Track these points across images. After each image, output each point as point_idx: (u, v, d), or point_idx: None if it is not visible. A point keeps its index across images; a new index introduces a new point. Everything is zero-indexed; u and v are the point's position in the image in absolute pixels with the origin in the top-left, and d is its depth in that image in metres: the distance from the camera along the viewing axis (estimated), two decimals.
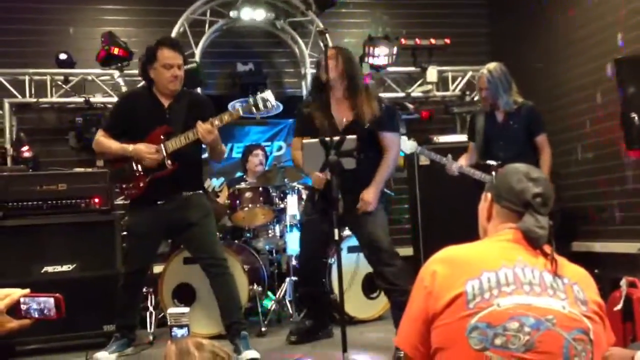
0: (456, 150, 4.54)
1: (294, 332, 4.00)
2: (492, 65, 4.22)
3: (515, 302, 1.44)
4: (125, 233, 4.06)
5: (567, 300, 1.47)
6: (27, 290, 1.55)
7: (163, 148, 3.50)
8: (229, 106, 5.90)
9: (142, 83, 3.86)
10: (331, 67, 3.47)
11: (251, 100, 3.47)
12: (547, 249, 1.56)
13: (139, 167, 3.55)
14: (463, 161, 4.28)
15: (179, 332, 3.15)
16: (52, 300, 1.52)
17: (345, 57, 3.69)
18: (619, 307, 3.06)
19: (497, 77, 4.14)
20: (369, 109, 3.60)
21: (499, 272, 1.48)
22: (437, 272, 1.53)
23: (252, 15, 6.06)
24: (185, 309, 3.31)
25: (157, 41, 3.61)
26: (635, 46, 4.76)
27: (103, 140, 3.64)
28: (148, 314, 4.32)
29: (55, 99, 5.79)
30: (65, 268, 4.05)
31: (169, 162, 3.52)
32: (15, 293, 1.53)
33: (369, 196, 3.59)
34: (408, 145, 4.37)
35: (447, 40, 6.34)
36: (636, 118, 3.89)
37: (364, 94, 3.67)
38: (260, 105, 3.46)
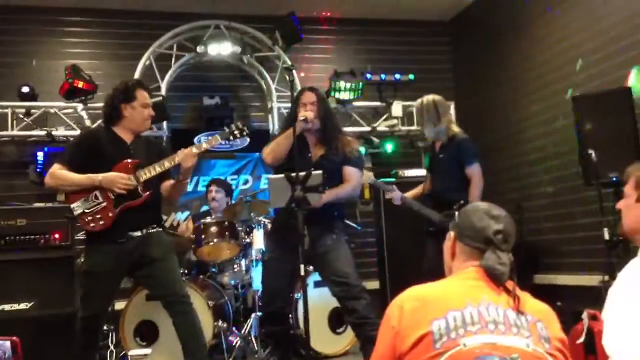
0: (420, 184, 4.59)
1: None
2: (425, 97, 4.30)
3: (481, 342, 1.45)
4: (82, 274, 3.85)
5: (531, 338, 1.49)
6: None
7: (135, 177, 3.47)
8: (195, 140, 5.90)
9: (99, 122, 3.82)
10: (315, 113, 3.55)
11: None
12: (510, 285, 1.58)
13: (109, 196, 3.48)
14: (410, 193, 4.34)
15: None
16: (8, 343, 1.49)
17: (321, 99, 3.72)
18: (581, 340, 3.08)
19: (424, 107, 4.24)
20: (343, 149, 3.65)
21: (464, 311, 1.50)
22: (403, 312, 1.53)
23: (219, 49, 6.11)
24: (147, 351, 3.21)
25: (135, 82, 3.77)
26: (590, 83, 4.93)
27: (62, 172, 3.47)
28: (108, 352, 4.20)
29: (16, 132, 5.70)
30: (22, 306, 3.91)
31: (141, 189, 3.48)
32: None
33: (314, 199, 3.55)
34: (365, 176, 4.41)
35: (411, 76, 6.50)
36: (593, 154, 3.99)
37: (340, 136, 3.74)
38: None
